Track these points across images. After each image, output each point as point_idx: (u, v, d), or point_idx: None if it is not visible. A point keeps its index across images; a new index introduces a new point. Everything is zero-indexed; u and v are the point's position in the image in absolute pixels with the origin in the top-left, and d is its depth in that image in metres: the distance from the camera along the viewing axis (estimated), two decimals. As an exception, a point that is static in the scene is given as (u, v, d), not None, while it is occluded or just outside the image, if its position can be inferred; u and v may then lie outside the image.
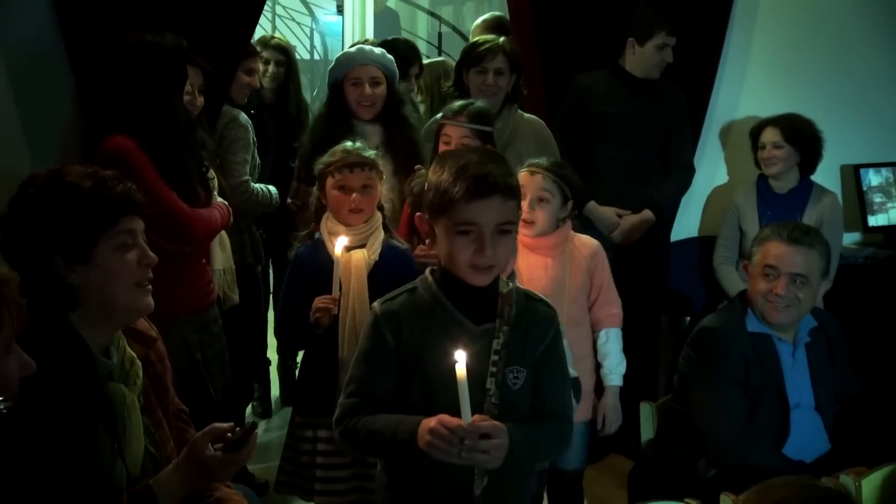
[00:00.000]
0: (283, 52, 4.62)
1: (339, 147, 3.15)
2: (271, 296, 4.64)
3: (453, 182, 2.00)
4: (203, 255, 3.34)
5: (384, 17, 7.64)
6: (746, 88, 4.84)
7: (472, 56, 3.86)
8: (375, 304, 2.17)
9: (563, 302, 3.07)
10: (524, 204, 2.96)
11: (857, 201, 4.93)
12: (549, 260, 3.16)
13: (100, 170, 2.04)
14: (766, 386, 2.85)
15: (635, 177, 4.15)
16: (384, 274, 3.01)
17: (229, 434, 2.03)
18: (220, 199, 3.36)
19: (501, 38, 3.92)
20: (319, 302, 2.92)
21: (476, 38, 4.01)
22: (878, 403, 3.07)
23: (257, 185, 4.03)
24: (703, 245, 4.67)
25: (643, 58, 4.19)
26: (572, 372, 2.62)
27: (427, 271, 2.16)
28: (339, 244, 2.91)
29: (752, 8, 4.77)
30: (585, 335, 3.22)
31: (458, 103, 3.52)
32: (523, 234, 3.00)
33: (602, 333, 3.22)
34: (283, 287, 3.18)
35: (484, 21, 5.35)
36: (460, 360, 1.86)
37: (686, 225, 4.75)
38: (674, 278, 4.55)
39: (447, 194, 2.01)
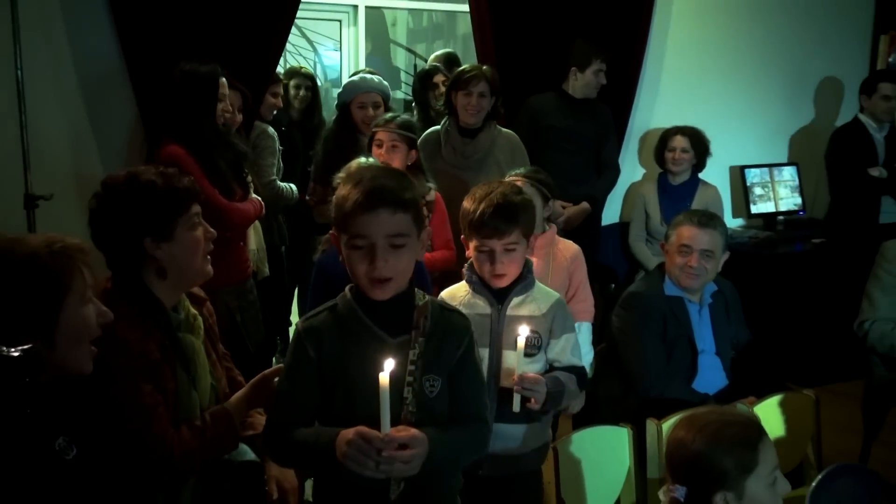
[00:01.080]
0: (310, 79, 4.54)
1: (354, 163, 2.88)
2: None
3: (346, 196, 1.70)
4: (241, 239, 3.31)
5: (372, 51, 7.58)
6: (658, 106, 4.86)
7: (460, 81, 3.69)
8: (298, 321, 1.84)
9: None
10: None
11: (743, 194, 4.97)
12: (534, 259, 2.87)
13: (165, 169, 2.04)
14: (678, 336, 2.87)
15: (575, 176, 4.12)
16: None
17: None
18: (254, 196, 3.33)
19: (484, 67, 3.76)
20: None
21: (464, 67, 3.84)
22: (763, 349, 3.11)
23: (282, 184, 3.99)
24: (623, 228, 4.69)
25: (584, 81, 4.19)
26: (578, 362, 2.43)
27: (347, 288, 1.82)
28: None
29: (662, 41, 4.78)
30: None
31: (389, 115, 3.43)
32: None
33: (576, 326, 2.96)
34: (310, 290, 2.93)
35: (436, 56, 5.26)
36: (387, 369, 1.58)
37: (611, 213, 4.76)
38: (602, 254, 4.57)
39: (342, 209, 1.71)
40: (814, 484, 2.32)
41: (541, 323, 2.31)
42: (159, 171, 1.99)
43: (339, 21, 6.95)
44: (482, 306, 2.28)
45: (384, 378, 1.57)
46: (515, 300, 2.33)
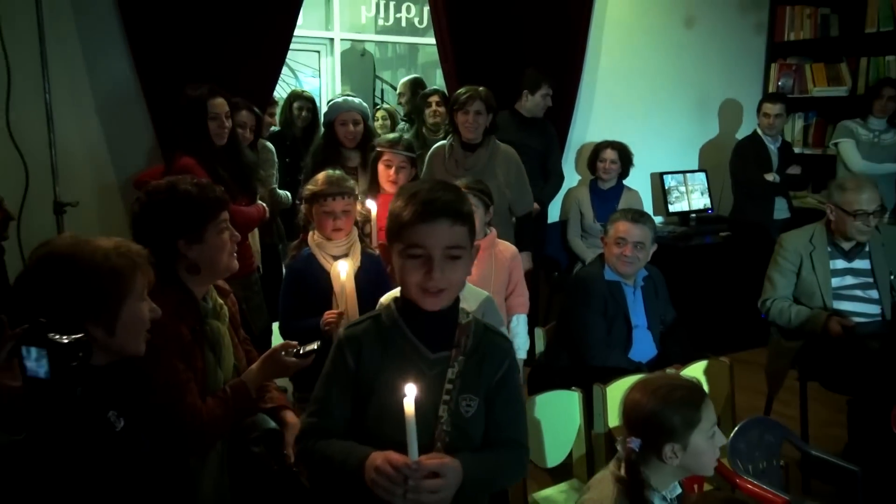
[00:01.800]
0: (311, 101, 4.47)
1: (321, 176, 2.71)
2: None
3: (404, 207, 1.47)
4: (246, 238, 3.25)
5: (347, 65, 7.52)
6: (591, 124, 4.88)
7: (458, 102, 3.58)
8: (341, 328, 1.61)
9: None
10: None
11: (662, 195, 5.02)
12: (477, 261, 2.83)
13: (200, 180, 2.01)
14: (616, 314, 2.89)
15: None
16: (365, 275, 2.63)
17: (295, 349, 2.03)
18: (260, 202, 3.29)
19: (480, 88, 3.60)
20: (329, 316, 2.52)
21: (461, 89, 3.66)
22: (683, 324, 3.15)
23: (280, 191, 3.95)
24: (563, 225, 4.71)
25: (534, 102, 4.20)
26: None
27: (391, 299, 1.60)
28: (342, 270, 2.46)
29: (594, 70, 4.82)
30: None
31: (393, 136, 3.34)
32: None
33: (514, 318, 2.96)
34: (283, 293, 2.71)
35: (405, 82, 5.22)
36: (409, 394, 1.33)
37: (554, 212, 4.79)
38: (548, 247, 4.59)
39: (398, 219, 1.48)
40: (732, 434, 2.38)
41: None
42: (195, 182, 1.96)
43: (318, 52, 6.90)
44: None
45: (409, 405, 1.33)
46: None
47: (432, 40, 6.57)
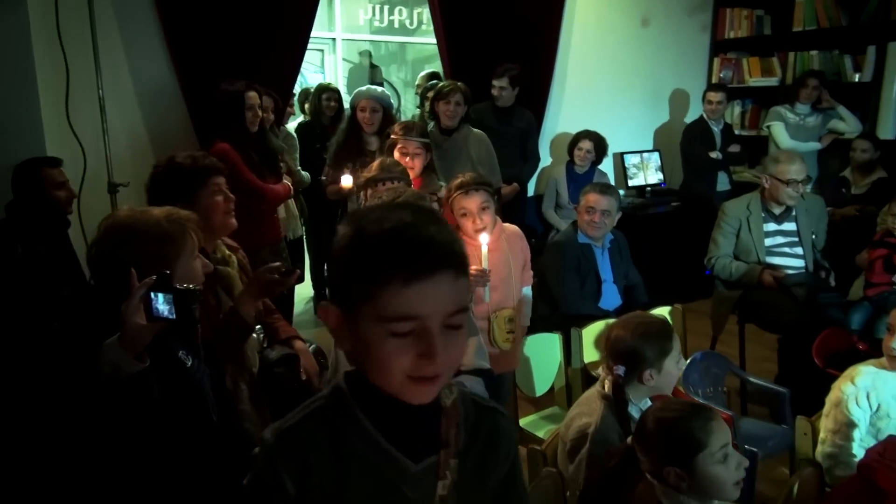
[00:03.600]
0: (337, 93, 4.37)
1: (375, 163, 2.64)
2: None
3: (379, 254, 0.80)
4: (274, 212, 3.29)
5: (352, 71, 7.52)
6: (563, 111, 4.92)
7: (440, 93, 3.66)
8: (268, 430, 0.91)
9: (512, 277, 2.61)
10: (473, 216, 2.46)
11: (623, 172, 5.08)
12: (493, 249, 2.51)
13: (193, 153, 2.04)
14: (588, 271, 2.98)
15: (506, 163, 4.03)
16: None
17: (280, 269, 1.88)
18: (286, 181, 3.31)
19: (459, 83, 3.67)
20: None
21: (443, 83, 3.75)
22: (643, 280, 3.26)
23: (303, 172, 3.95)
24: (539, 199, 4.72)
25: (494, 93, 4.15)
26: (485, 364, 1.89)
27: (342, 379, 0.92)
28: None
29: (565, 63, 4.85)
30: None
31: (407, 121, 3.27)
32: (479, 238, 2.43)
33: (523, 289, 2.72)
34: None
35: (423, 76, 5.13)
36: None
37: (531, 188, 4.82)
38: (527, 218, 4.62)
39: (364, 271, 0.81)
40: (685, 365, 2.52)
41: None
42: (188, 155, 1.99)
43: (322, 50, 6.89)
44: None
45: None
46: None
47: (421, 39, 6.60)
